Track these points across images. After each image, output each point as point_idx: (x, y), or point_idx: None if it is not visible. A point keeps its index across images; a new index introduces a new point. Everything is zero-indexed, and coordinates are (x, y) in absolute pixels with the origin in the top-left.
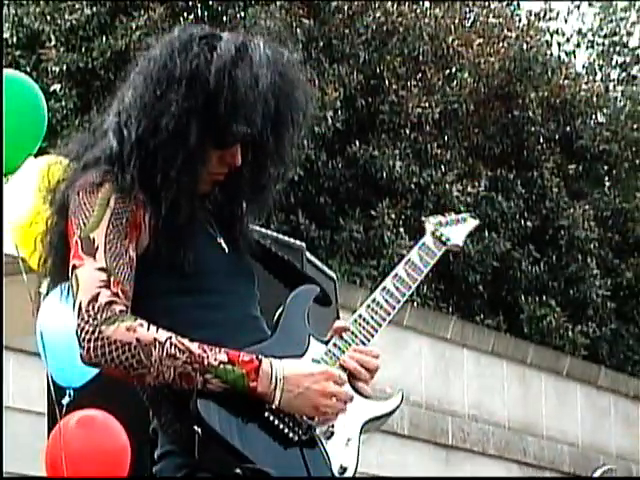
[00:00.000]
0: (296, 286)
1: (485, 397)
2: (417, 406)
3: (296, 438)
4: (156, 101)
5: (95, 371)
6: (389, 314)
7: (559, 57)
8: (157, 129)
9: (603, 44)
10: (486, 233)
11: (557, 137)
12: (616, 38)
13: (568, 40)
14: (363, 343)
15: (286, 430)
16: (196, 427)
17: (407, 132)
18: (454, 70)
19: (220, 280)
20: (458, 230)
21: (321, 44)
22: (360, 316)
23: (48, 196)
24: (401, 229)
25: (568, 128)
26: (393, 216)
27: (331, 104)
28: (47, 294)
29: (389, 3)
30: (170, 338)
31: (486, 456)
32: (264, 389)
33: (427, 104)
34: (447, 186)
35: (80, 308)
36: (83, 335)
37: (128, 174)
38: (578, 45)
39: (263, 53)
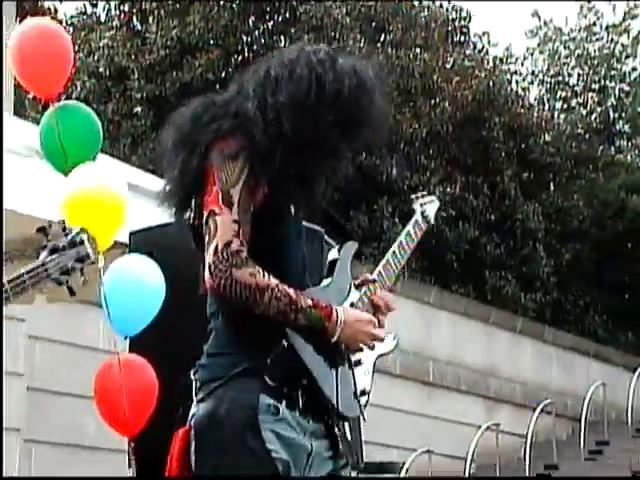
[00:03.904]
0: (342, 237)
1: (458, 347)
2: (406, 353)
3: (340, 362)
4: (305, 112)
5: (146, 323)
6: (397, 268)
7: (517, 92)
8: (306, 133)
9: (550, 82)
10: (460, 223)
11: (515, 152)
12: (560, 78)
13: (524, 79)
14: (385, 287)
15: (335, 357)
16: (284, 341)
17: (402, 147)
18: (438, 100)
19: (294, 245)
20: (432, 210)
21: None
22: (379, 273)
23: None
24: (396, 219)
25: (523, 145)
26: (390, 209)
27: None
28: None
29: (389, 49)
30: (277, 285)
31: (458, 392)
32: (332, 329)
33: (417, 126)
34: (432, 187)
35: (217, 249)
36: (216, 272)
37: (268, 164)
38: (532, 82)
39: (372, 76)
